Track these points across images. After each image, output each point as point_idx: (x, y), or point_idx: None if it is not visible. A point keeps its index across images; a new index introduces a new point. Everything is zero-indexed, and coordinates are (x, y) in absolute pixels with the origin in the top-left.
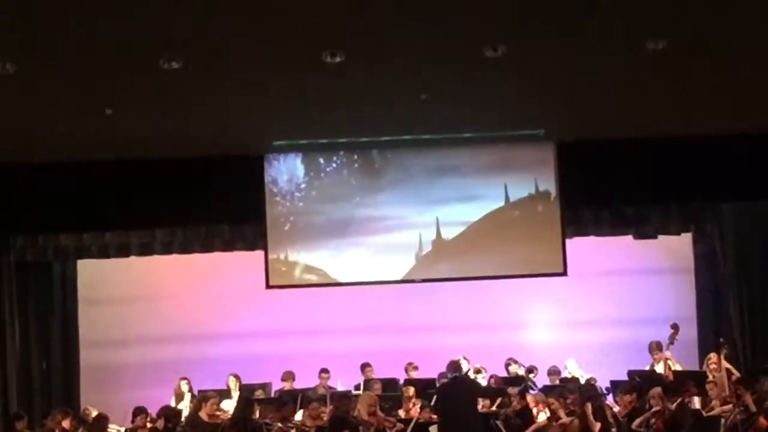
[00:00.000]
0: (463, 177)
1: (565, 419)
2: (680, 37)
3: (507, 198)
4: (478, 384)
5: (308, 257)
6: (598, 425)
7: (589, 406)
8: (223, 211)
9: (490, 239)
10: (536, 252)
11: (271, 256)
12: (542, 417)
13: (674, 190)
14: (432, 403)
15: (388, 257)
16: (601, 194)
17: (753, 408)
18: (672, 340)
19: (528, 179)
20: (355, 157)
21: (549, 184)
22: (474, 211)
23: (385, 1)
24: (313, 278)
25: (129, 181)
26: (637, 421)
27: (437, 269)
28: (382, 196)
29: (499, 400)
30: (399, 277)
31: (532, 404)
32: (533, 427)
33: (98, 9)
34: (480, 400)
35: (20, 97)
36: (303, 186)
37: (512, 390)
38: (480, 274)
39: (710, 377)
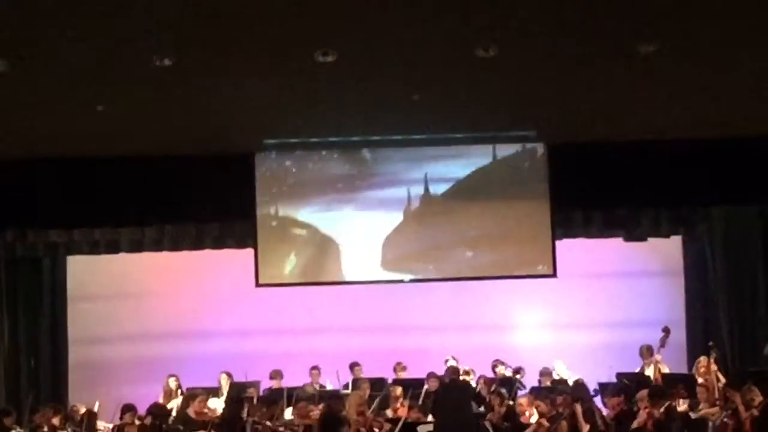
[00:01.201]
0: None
1: (547, 425)
2: (671, 41)
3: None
4: (471, 386)
5: (297, 253)
6: (587, 427)
7: (578, 407)
8: (214, 208)
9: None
10: (526, 253)
11: (260, 255)
12: (533, 419)
13: (665, 193)
14: (420, 402)
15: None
16: (591, 196)
17: (742, 410)
18: (663, 343)
19: (518, 180)
20: (346, 156)
21: (540, 185)
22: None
23: (378, 1)
24: (303, 274)
25: (119, 178)
26: (634, 425)
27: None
28: (372, 193)
29: (489, 401)
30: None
31: (523, 407)
32: None
33: (91, 6)
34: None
35: (11, 94)
36: (293, 185)
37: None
38: (470, 272)
39: (700, 381)
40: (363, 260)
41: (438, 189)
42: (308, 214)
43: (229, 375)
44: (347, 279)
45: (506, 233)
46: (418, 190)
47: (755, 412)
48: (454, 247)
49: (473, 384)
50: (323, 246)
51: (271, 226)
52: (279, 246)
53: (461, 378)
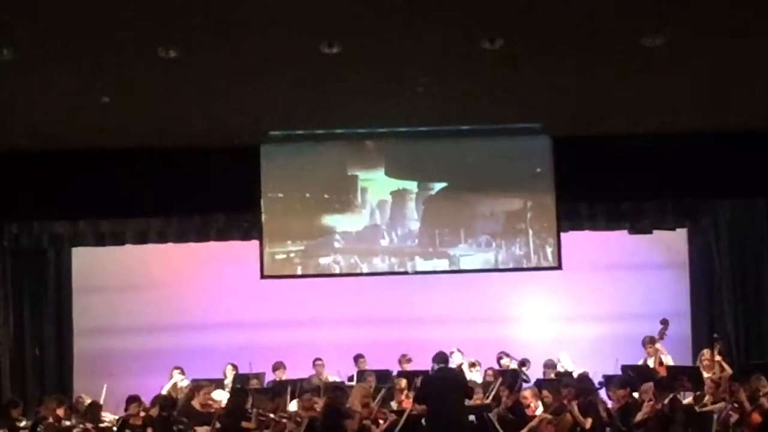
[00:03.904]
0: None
1: (553, 417)
2: (677, 34)
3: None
4: (464, 376)
5: (299, 253)
6: (589, 421)
7: (574, 405)
8: (219, 200)
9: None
10: (531, 245)
11: (266, 246)
12: (538, 412)
13: (670, 185)
14: (413, 390)
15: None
16: (597, 189)
17: (747, 404)
18: (662, 335)
19: (523, 173)
20: (350, 148)
21: (545, 177)
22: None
23: None
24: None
25: (124, 170)
26: (640, 415)
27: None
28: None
29: (492, 394)
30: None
31: (528, 399)
32: (528, 426)
33: None
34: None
35: (17, 84)
36: (298, 176)
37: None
38: (476, 264)
39: (709, 375)
40: (368, 252)
41: (443, 181)
42: (313, 205)
43: (235, 366)
44: (352, 271)
45: (511, 226)
46: (422, 182)
47: (766, 403)
48: (459, 239)
49: (479, 376)
50: (328, 238)
51: (276, 218)
52: (284, 238)
53: (464, 369)
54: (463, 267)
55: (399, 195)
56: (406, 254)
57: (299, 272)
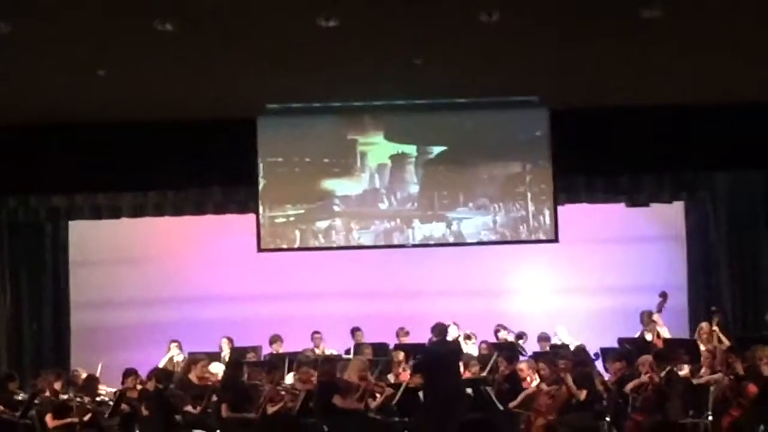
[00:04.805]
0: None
1: (550, 388)
2: (675, 6)
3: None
4: (461, 349)
5: (298, 217)
6: (584, 392)
7: (568, 376)
8: (216, 173)
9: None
10: (528, 218)
11: (262, 218)
12: (534, 384)
13: (667, 158)
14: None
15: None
16: (594, 161)
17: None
18: (660, 308)
19: (520, 146)
20: (348, 121)
21: (542, 150)
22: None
23: None
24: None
25: (121, 143)
26: (629, 386)
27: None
28: (372, 159)
29: (489, 366)
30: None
31: (524, 371)
32: (524, 394)
33: None
34: (469, 365)
35: (13, 57)
36: (295, 149)
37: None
38: (473, 237)
39: (705, 347)
40: (365, 225)
41: (440, 154)
42: (310, 178)
43: (230, 340)
44: (349, 244)
45: (508, 199)
46: (419, 156)
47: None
48: (456, 212)
49: (474, 349)
50: (325, 211)
51: (273, 191)
52: (281, 211)
53: (460, 341)
54: (459, 240)
55: (395, 168)
56: (402, 227)
57: (296, 245)
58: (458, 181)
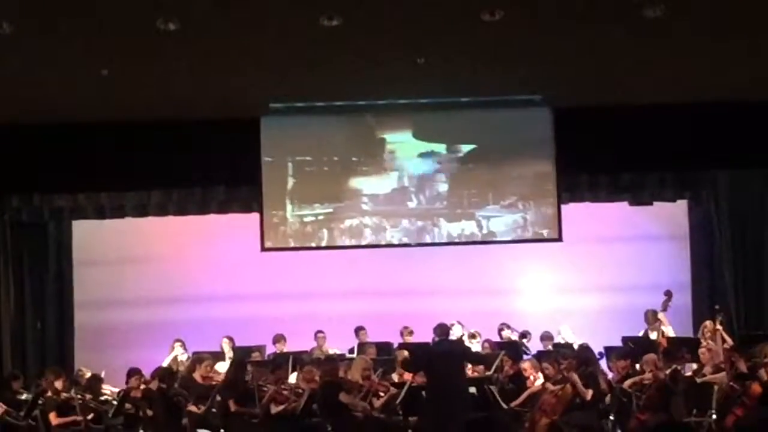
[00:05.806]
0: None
1: (554, 387)
2: (678, 5)
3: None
4: (467, 348)
5: (304, 217)
6: (590, 392)
7: (575, 375)
8: (219, 172)
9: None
10: (531, 217)
11: (266, 218)
12: (538, 383)
13: (670, 157)
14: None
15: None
16: (597, 160)
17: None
18: (665, 306)
19: (523, 145)
20: (350, 121)
21: (545, 149)
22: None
23: None
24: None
25: (125, 142)
26: (628, 382)
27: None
28: (376, 158)
29: (494, 366)
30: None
31: (528, 370)
32: (527, 392)
33: None
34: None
35: (17, 57)
36: (299, 149)
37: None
38: (476, 236)
39: (703, 344)
40: (369, 225)
41: (443, 154)
42: (313, 178)
43: (231, 339)
44: (353, 243)
45: (512, 198)
46: (422, 155)
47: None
48: (459, 211)
49: (479, 347)
50: (328, 211)
51: (277, 191)
52: (284, 210)
53: (457, 338)
54: (463, 239)
55: (398, 168)
56: (406, 226)
57: (300, 245)
58: (459, 188)
